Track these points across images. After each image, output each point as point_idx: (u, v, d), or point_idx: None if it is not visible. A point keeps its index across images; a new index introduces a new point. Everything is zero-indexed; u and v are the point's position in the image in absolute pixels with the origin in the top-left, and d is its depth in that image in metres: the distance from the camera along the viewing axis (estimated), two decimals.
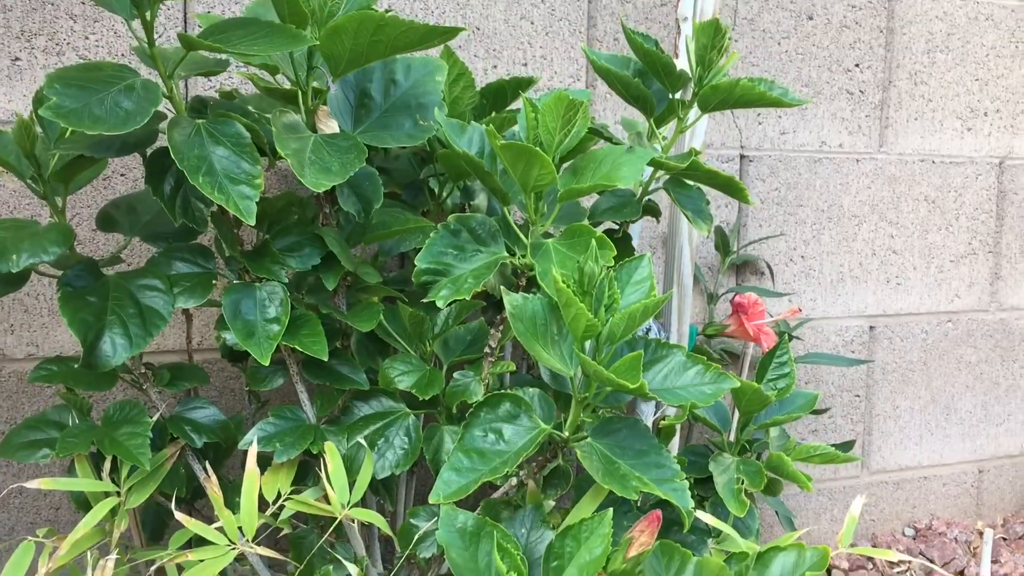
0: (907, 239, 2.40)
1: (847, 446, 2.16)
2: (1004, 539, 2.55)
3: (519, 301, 1.08)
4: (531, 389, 1.15)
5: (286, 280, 1.24)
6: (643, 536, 0.98)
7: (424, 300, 1.19)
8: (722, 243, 2.14)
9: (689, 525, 1.09)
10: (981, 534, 2.56)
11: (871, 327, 2.41)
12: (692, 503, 1.10)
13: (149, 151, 1.20)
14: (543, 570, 1.03)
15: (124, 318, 1.20)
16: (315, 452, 1.30)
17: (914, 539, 2.49)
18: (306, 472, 1.39)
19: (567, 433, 1.13)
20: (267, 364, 1.16)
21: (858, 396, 2.43)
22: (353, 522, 1.34)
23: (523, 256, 1.23)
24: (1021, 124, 2.48)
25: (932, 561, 2.46)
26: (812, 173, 2.27)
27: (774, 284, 2.24)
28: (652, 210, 1.44)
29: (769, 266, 2.23)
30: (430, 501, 1.06)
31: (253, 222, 1.08)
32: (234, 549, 1.19)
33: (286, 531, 1.35)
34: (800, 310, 2.13)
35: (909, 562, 2.41)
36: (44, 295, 1.69)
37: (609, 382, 1.00)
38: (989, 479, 2.63)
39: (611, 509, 1.04)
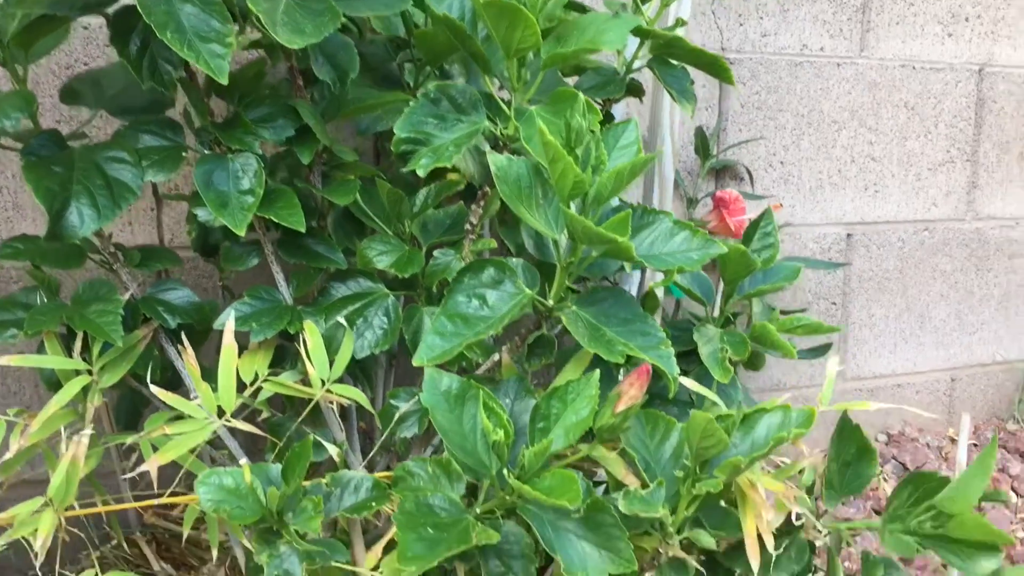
0: (886, 146, 2.38)
1: (823, 349, 2.16)
2: (975, 445, 2.59)
3: (504, 162, 1.05)
4: (515, 259, 1.12)
5: (260, 151, 1.20)
6: (632, 390, 0.97)
7: (404, 169, 1.16)
8: (702, 146, 2.11)
9: (674, 391, 1.08)
10: (953, 440, 2.60)
11: (848, 235, 2.41)
12: (678, 370, 1.09)
13: (113, 10, 1.15)
14: (529, 431, 1.01)
15: (92, 189, 1.15)
16: (292, 332, 1.27)
17: (887, 444, 2.53)
18: (283, 356, 1.36)
19: (551, 302, 1.11)
20: (242, 234, 1.12)
21: (834, 304, 2.44)
22: (332, 405, 1.32)
23: (505, 128, 1.19)
24: (1002, 31, 2.46)
25: (905, 465, 2.50)
26: (793, 77, 2.24)
27: (753, 189, 2.22)
28: (636, 89, 1.40)
29: (749, 171, 2.21)
30: (413, 363, 1.04)
31: (225, 80, 1.04)
32: (212, 423, 1.16)
33: (265, 415, 1.33)
34: (782, 206, 2.12)
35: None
36: (7, 188, 1.64)
37: (597, 237, 0.97)
38: (961, 387, 2.66)
39: (598, 370, 1.03)
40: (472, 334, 1.03)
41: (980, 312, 2.63)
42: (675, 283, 1.33)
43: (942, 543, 1.21)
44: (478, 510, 1.05)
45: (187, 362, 1.17)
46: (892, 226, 2.46)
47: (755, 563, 1.08)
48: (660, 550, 1.08)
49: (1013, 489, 2.42)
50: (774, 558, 1.13)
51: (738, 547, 1.25)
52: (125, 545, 1.67)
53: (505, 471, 0.97)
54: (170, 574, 1.66)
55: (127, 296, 1.26)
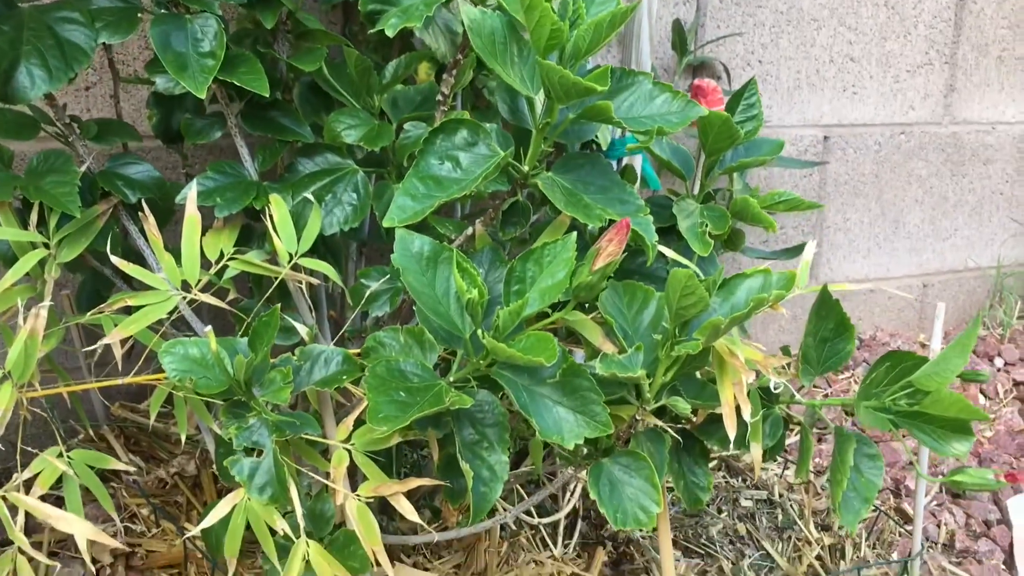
0: (865, 46, 2.34)
1: (796, 250, 2.15)
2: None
3: (478, 15, 1.00)
4: (489, 124, 1.08)
5: (219, 12, 1.14)
6: (611, 246, 0.94)
7: (372, 31, 1.11)
8: (679, 41, 2.06)
9: (653, 257, 1.06)
10: (924, 345, 2.62)
11: (825, 137, 2.38)
12: (656, 236, 1.06)
13: None
14: (503, 294, 0.99)
15: (42, 50, 1.09)
16: (259, 208, 1.22)
17: (859, 348, 2.54)
18: (249, 237, 1.32)
19: (527, 167, 1.07)
20: (203, 96, 1.07)
21: None
22: (300, 284, 1.28)
23: None
24: None
25: None
26: None
27: (731, 88, 2.18)
28: None
29: (726, 68, 2.16)
30: (384, 225, 1.00)
31: None
32: (176, 294, 1.12)
33: (232, 296, 1.29)
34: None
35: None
36: None
37: (574, 89, 0.93)
38: (933, 293, 2.67)
39: (575, 232, 1.00)
40: (444, 195, 1.00)
41: (954, 218, 2.62)
42: (654, 154, 1.29)
43: (917, 422, 1.21)
44: (451, 378, 1.03)
45: (149, 232, 1.12)
46: (869, 129, 2.43)
47: (732, 431, 1.07)
48: (637, 417, 1.06)
49: (982, 392, 2.45)
50: (749, 427, 1.13)
51: (714, 421, 1.24)
52: (93, 438, 1.64)
53: (479, 332, 0.94)
54: (139, 466, 1.64)
55: (83, 168, 1.21)
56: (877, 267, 2.56)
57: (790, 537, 1.72)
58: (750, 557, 1.67)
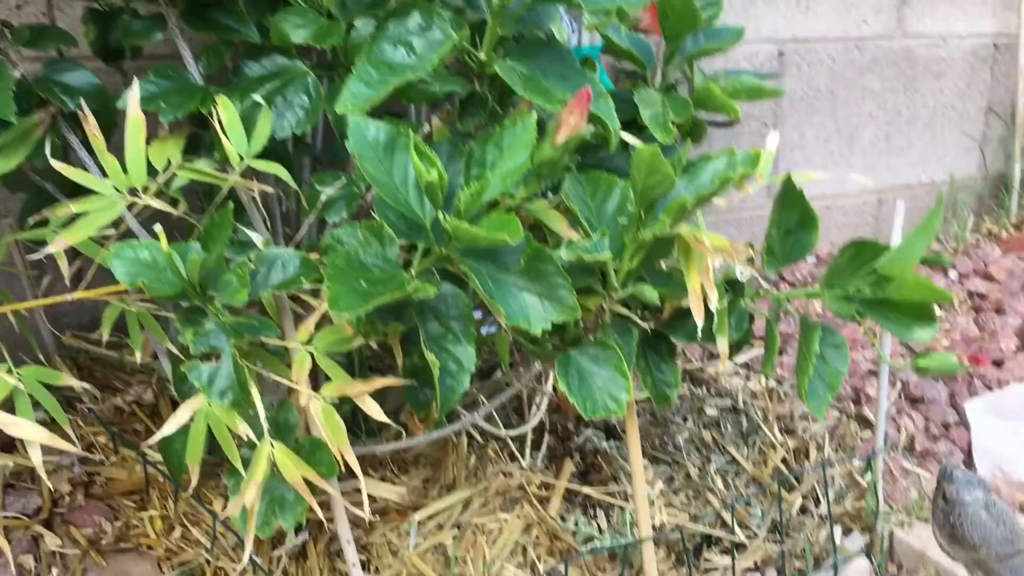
0: None
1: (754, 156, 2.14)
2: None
3: None
4: (443, 10, 1.04)
5: None
6: (572, 118, 0.91)
7: None
8: None
9: (615, 145, 1.03)
10: None
11: (780, 52, 2.36)
12: (618, 122, 1.04)
13: None
14: (463, 178, 0.96)
15: None
16: (205, 113, 1.18)
17: (816, 266, 2.55)
18: (197, 146, 1.27)
19: (483, 54, 1.04)
20: None
21: (766, 124, 2.41)
22: (253, 192, 1.25)
23: None
24: None
25: None
26: None
27: None
28: None
29: None
30: (337, 111, 0.96)
31: None
32: (122, 199, 1.08)
33: (182, 210, 1.25)
34: None
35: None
36: None
37: None
38: (888, 209, 2.69)
39: (535, 112, 0.97)
40: (399, 79, 0.96)
41: (907, 133, 2.64)
42: (612, 44, 1.26)
43: (881, 309, 1.21)
44: (414, 271, 1.00)
45: (90, 134, 1.07)
46: (823, 44, 2.42)
47: (699, 318, 1.06)
48: (604, 306, 1.05)
49: (937, 304, 2.48)
50: (716, 319, 1.12)
51: (680, 316, 1.23)
52: (44, 365, 1.59)
53: (441, 216, 0.91)
54: (94, 395, 1.59)
55: (17, 74, 1.15)
56: (833, 184, 2.56)
57: (755, 442, 1.74)
58: (716, 463, 1.68)
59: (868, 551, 1.57)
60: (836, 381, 1.21)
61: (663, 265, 1.14)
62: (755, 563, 1.52)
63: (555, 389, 1.75)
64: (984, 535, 1.15)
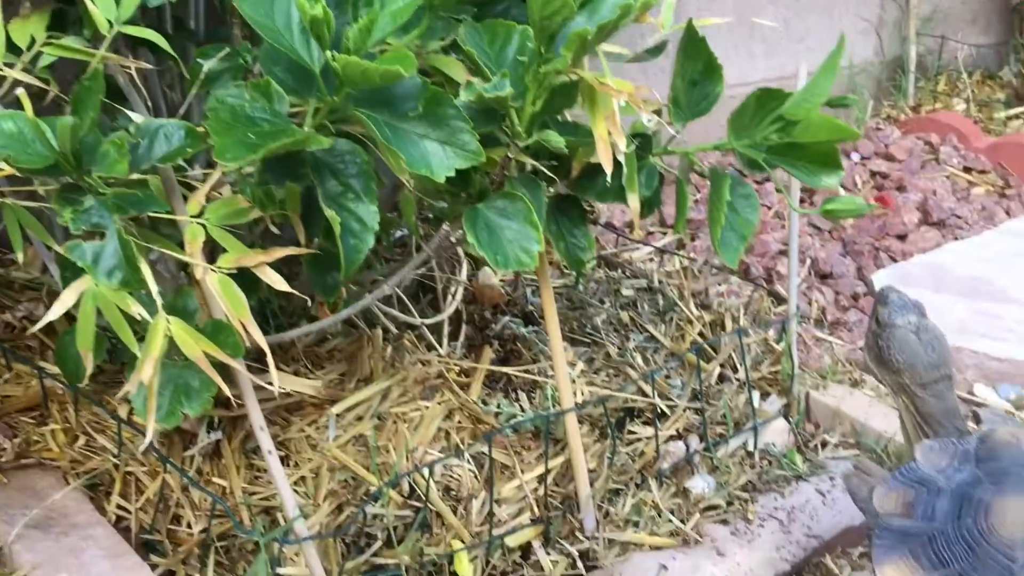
0: None
1: (658, 50, 2.11)
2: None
3: None
4: None
5: None
6: None
7: None
8: None
9: None
10: None
11: None
12: None
13: None
14: (351, 16, 0.90)
15: None
16: None
17: (723, 155, 2.56)
18: (63, 24, 1.18)
19: None
20: None
21: None
22: (130, 69, 1.16)
23: None
24: None
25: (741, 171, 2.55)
26: None
27: None
28: None
29: None
30: None
31: None
32: None
33: (52, 95, 1.16)
34: None
35: None
36: None
37: None
38: None
39: None
40: None
41: (805, 18, 2.64)
42: None
43: (789, 157, 1.20)
44: (307, 127, 0.95)
45: None
46: None
47: (607, 164, 1.03)
48: (510, 156, 1.01)
49: (842, 186, 2.52)
50: (625, 169, 1.09)
51: (589, 173, 1.21)
52: None
53: (329, 56, 0.85)
54: None
55: None
56: (737, 73, 2.55)
57: (672, 319, 1.74)
58: (635, 341, 1.68)
59: (786, 412, 1.60)
60: (747, 231, 1.20)
61: (567, 117, 1.11)
62: (677, 431, 1.54)
63: (470, 280, 1.72)
64: (909, 359, 1.14)
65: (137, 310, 0.98)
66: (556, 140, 1.00)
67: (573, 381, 1.55)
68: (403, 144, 0.91)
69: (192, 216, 1.02)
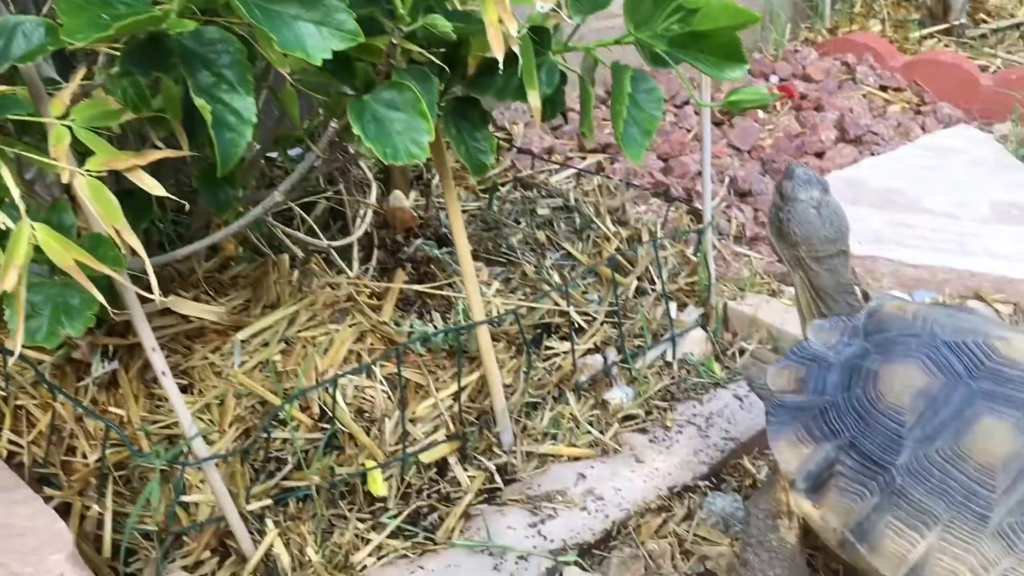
0: None
1: None
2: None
3: None
4: None
5: None
6: None
7: None
8: None
9: None
10: None
11: None
12: None
13: None
14: None
15: None
16: None
17: None
18: None
19: None
20: None
21: None
22: None
23: None
24: None
25: None
26: None
27: None
28: None
29: None
30: None
31: None
32: None
33: None
34: None
35: None
36: None
37: None
38: None
39: None
40: None
41: None
42: None
43: (692, 48, 1.17)
44: (173, 12, 0.88)
45: None
46: None
47: (499, 52, 0.98)
48: (394, 42, 0.96)
49: (762, 108, 2.51)
50: (521, 64, 1.05)
51: (486, 72, 1.16)
52: None
53: None
54: None
55: None
56: None
57: (589, 236, 1.72)
58: (551, 259, 1.66)
59: (704, 322, 1.59)
60: (650, 125, 1.18)
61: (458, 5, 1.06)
62: (595, 344, 1.52)
63: (380, 203, 1.67)
64: (807, 233, 1.14)
65: (2, 219, 0.91)
66: (443, 24, 0.95)
67: (488, 301, 1.52)
68: (275, 25, 0.86)
69: (57, 118, 0.95)
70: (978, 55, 2.65)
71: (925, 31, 2.79)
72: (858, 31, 2.82)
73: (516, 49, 1.03)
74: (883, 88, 2.59)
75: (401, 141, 0.96)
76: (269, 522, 1.19)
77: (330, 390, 1.28)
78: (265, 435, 1.23)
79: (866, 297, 1.17)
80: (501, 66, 0.99)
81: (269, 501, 1.20)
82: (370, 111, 0.97)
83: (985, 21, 2.84)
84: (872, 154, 2.30)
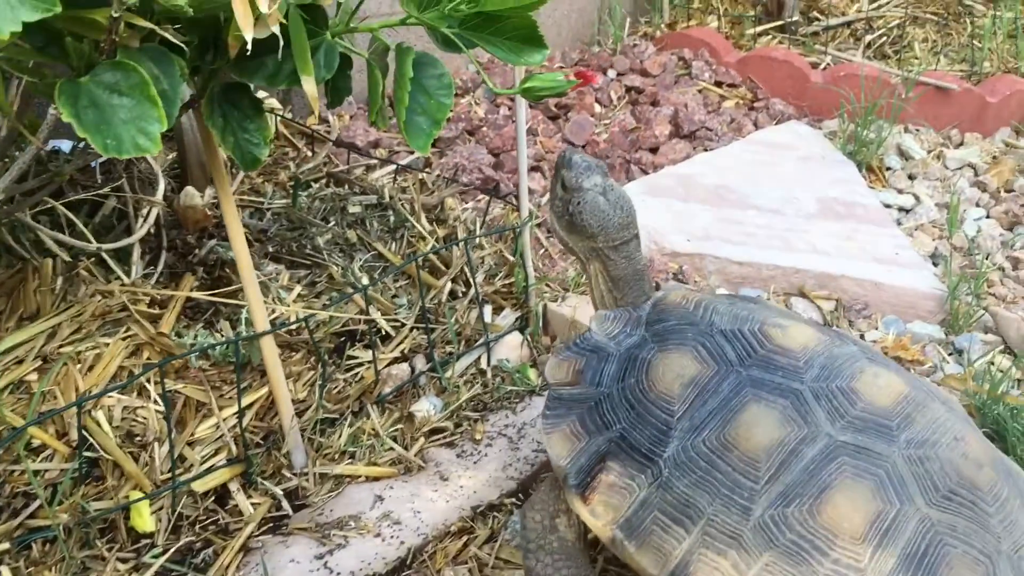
0: None
1: None
2: (562, 67, 2.59)
3: None
4: None
5: None
6: None
7: None
8: None
9: None
10: None
11: None
12: None
13: None
14: None
15: None
16: None
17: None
18: None
19: None
20: None
21: None
22: None
23: None
24: None
25: None
26: None
27: None
28: None
29: None
30: None
31: None
32: None
33: None
34: None
35: None
36: None
37: None
38: (546, 14, 2.61)
39: None
40: None
41: None
42: None
43: (485, 32, 1.08)
44: None
45: None
46: None
47: (248, 32, 0.87)
48: (115, 15, 0.82)
49: (597, 101, 2.46)
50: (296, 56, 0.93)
51: (255, 55, 1.03)
52: None
53: None
54: None
55: None
56: None
57: (403, 236, 1.61)
58: (361, 260, 1.54)
59: (522, 326, 1.51)
60: (440, 114, 1.08)
61: None
62: (403, 352, 1.41)
63: (167, 200, 1.52)
64: (602, 222, 1.07)
65: None
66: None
67: (288, 306, 1.40)
68: None
69: None
70: (810, 52, 2.68)
71: (760, 28, 2.81)
72: (695, 26, 2.81)
73: (275, 30, 0.91)
74: (718, 84, 2.58)
75: (126, 131, 0.83)
76: (5, 570, 1.03)
77: (90, 411, 1.13)
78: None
79: (657, 287, 1.12)
80: (249, 48, 0.88)
81: (7, 545, 1.05)
82: (88, 95, 0.83)
83: (818, 19, 2.87)
84: (706, 150, 2.27)
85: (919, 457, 0.89)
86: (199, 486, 1.16)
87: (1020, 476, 0.95)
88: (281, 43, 0.94)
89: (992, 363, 1.59)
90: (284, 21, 0.96)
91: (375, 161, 1.84)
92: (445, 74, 1.10)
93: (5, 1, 0.72)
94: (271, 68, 1.04)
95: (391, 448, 1.28)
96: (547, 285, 1.59)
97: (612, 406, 0.98)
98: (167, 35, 0.87)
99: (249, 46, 0.87)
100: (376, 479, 1.24)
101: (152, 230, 1.44)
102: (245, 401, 1.25)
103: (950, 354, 1.63)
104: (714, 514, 0.90)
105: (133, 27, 0.86)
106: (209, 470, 1.18)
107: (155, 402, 1.22)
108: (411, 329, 1.43)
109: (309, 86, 1.03)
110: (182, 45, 0.88)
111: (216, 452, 1.21)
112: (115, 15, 0.82)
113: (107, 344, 1.26)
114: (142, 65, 0.87)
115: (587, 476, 0.96)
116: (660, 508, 0.92)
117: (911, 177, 2.24)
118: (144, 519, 1.12)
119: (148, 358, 1.28)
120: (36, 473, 1.13)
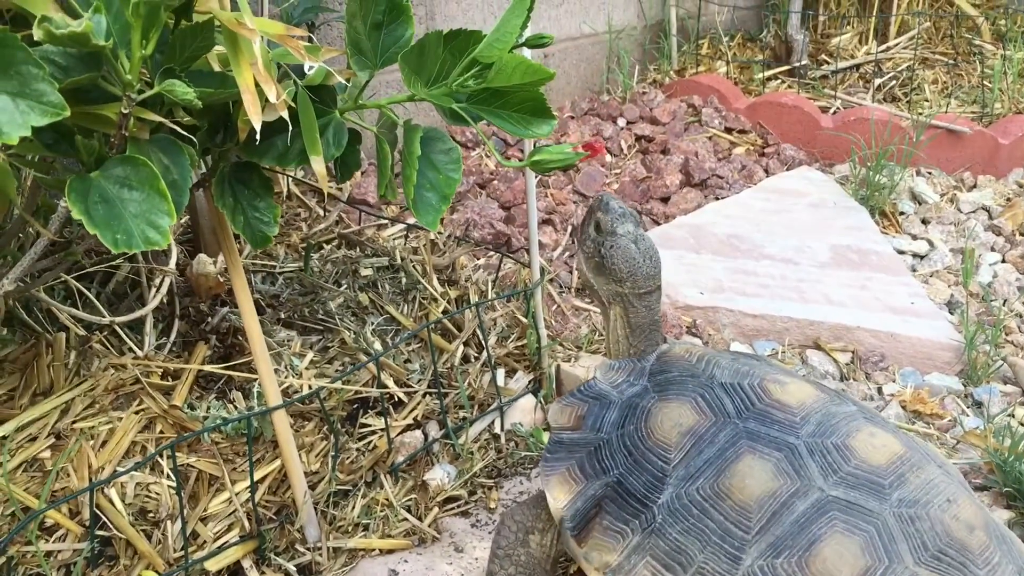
0: None
1: None
2: (572, 117, 2.61)
3: None
4: None
5: None
6: None
7: None
8: None
9: None
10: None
11: None
12: None
13: None
14: None
15: None
16: None
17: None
18: None
19: None
20: None
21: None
22: None
23: None
24: None
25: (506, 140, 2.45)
26: None
27: None
28: None
29: None
30: None
31: None
32: None
33: None
34: None
35: None
36: None
37: None
38: (555, 63, 2.63)
39: None
40: None
41: None
42: None
43: (492, 105, 1.08)
44: None
45: None
46: None
47: (256, 120, 0.87)
48: (124, 111, 0.83)
49: (608, 150, 2.47)
50: (303, 129, 0.94)
51: (265, 136, 1.04)
52: None
53: None
54: None
55: None
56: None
57: (415, 298, 1.61)
58: (373, 324, 1.54)
59: (535, 388, 1.50)
60: (448, 189, 1.08)
61: (214, 66, 0.94)
62: (416, 419, 1.40)
63: (180, 268, 1.52)
64: (632, 269, 1.09)
65: None
66: (183, 92, 0.83)
67: (300, 374, 1.39)
68: None
69: None
70: (819, 96, 2.68)
71: (769, 72, 2.81)
72: (704, 72, 2.82)
73: (284, 115, 0.92)
74: (728, 130, 2.58)
75: (136, 225, 0.83)
76: None
77: (103, 489, 1.13)
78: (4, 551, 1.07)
79: (664, 340, 1.14)
80: (258, 136, 0.88)
81: None
82: (97, 191, 0.83)
83: (827, 62, 2.88)
84: (717, 198, 2.27)
85: (910, 516, 0.90)
86: (212, 565, 1.15)
87: (1015, 542, 0.95)
88: (290, 125, 0.96)
89: (1012, 415, 1.57)
90: (293, 104, 0.98)
91: (386, 220, 1.85)
92: (453, 148, 1.10)
93: (15, 106, 0.73)
94: (281, 148, 1.05)
95: (405, 519, 1.27)
96: (560, 344, 1.58)
97: (611, 452, 1.01)
98: (177, 128, 0.88)
99: (258, 135, 0.88)
100: (390, 551, 1.23)
101: (165, 299, 1.44)
102: (258, 475, 1.24)
103: (969, 407, 1.61)
104: (704, 562, 0.91)
105: (143, 120, 0.86)
106: (222, 547, 1.17)
107: (168, 477, 1.22)
108: (424, 395, 1.43)
109: (318, 166, 1.04)
110: (191, 137, 0.89)
111: (229, 528, 1.21)
112: (125, 111, 0.83)
113: (120, 418, 1.26)
114: (152, 156, 0.87)
115: (583, 519, 0.99)
116: (652, 554, 0.94)
117: (924, 222, 2.23)
118: None
119: (161, 431, 1.28)
120: (48, 555, 1.12)
